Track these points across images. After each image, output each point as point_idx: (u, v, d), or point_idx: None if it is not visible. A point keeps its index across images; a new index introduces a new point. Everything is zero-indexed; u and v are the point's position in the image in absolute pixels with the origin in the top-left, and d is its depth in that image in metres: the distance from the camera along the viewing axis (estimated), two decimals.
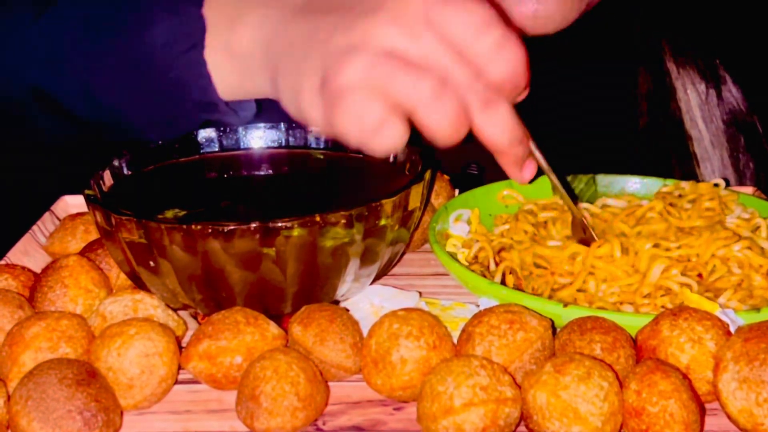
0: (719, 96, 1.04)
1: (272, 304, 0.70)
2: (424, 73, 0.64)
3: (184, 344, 0.69)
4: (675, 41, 1.04)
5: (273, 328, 0.66)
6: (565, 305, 0.68)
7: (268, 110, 0.83)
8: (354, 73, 0.65)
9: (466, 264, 0.79)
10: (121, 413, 0.62)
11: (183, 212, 0.72)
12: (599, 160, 0.84)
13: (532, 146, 0.73)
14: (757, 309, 0.67)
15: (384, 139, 0.65)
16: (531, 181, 0.75)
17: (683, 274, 0.73)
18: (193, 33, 0.80)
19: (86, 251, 0.77)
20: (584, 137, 0.83)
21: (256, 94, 0.81)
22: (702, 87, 1.04)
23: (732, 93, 1.05)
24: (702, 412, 0.60)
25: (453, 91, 0.65)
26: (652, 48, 0.98)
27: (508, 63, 0.65)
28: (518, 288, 0.76)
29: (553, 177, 0.76)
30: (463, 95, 0.65)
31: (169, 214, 0.72)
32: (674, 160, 1.06)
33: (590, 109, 0.79)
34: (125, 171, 0.79)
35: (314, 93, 0.68)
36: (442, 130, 0.65)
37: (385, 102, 0.64)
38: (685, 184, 0.87)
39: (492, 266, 0.79)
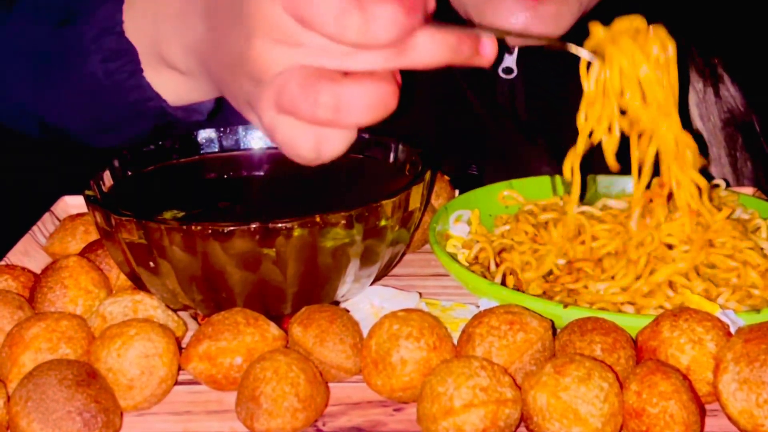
0: (717, 94, 1.04)
1: (272, 305, 0.70)
2: (326, 82, 0.61)
3: (184, 345, 0.69)
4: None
5: (273, 329, 0.66)
6: (565, 306, 0.68)
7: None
8: (267, 111, 0.63)
9: (467, 265, 0.79)
10: (121, 414, 0.62)
11: (181, 213, 0.72)
12: (597, 159, 0.84)
13: (477, 31, 0.69)
14: (757, 310, 0.67)
15: (328, 153, 0.64)
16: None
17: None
18: (127, 60, 0.82)
19: (86, 252, 0.77)
20: (595, 157, 0.84)
21: (206, 98, 0.84)
22: (700, 85, 1.04)
23: (730, 92, 1.04)
24: (702, 413, 0.59)
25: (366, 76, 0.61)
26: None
27: (385, 29, 0.60)
28: (518, 289, 0.76)
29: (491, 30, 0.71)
30: (375, 63, 0.62)
31: (168, 215, 0.72)
32: None
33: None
34: (125, 171, 0.79)
35: (246, 101, 0.67)
36: (369, 119, 0.62)
37: (312, 123, 0.62)
38: None
39: (492, 267, 0.79)
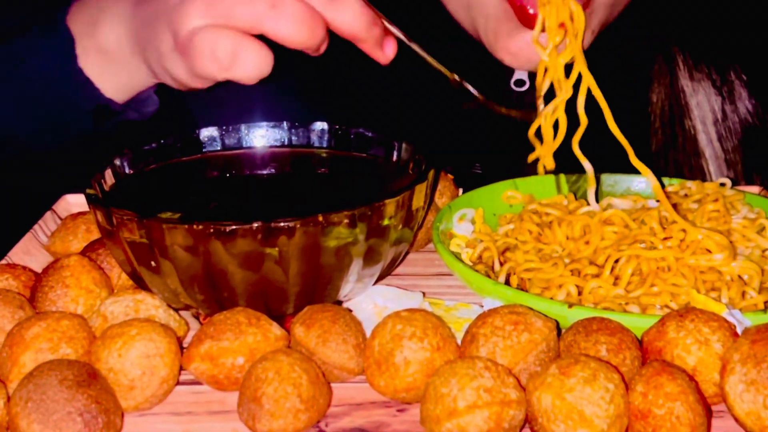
0: (735, 114, 1.04)
1: (274, 305, 0.70)
2: None
3: (185, 345, 0.69)
4: (689, 58, 1.04)
5: (275, 329, 0.65)
6: (570, 306, 0.68)
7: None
8: (194, 18, 0.71)
9: (470, 264, 0.79)
10: (122, 415, 0.62)
11: (177, 214, 0.72)
12: (602, 159, 0.84)
13: (387, 24, 0.77)
14: (764, 310, 0.67)
15: (245, 64, 0.71)
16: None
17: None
18: (62, 46, 0.85)
19: (87, 251, 0.77)
20: (597, 157, 0.84)
21: (147, 85, 0.87)
22: (717, 105, 1.04)
23: (749, 110, 1.04)
24: (709, 414, 0.59)
25: None
26: (666, 66, 0.99)
27: None
28: (522, 288, 0.76)
29: (414, 45, 0.80)
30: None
31: (164, 216, 0.72)
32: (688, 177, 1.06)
33: (602, 129, 0.80)
34: (126, 170, 0.79)
35: (171, 52, 0.74)
36: (296, 33, 0.71)
37: (232, 32, 0.70)
38: (691, 184, 0.86)
39: (496, 266, 0.79)
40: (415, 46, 0.80)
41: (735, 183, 0.87)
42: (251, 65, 0.71)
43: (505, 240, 0.81)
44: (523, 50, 0.91)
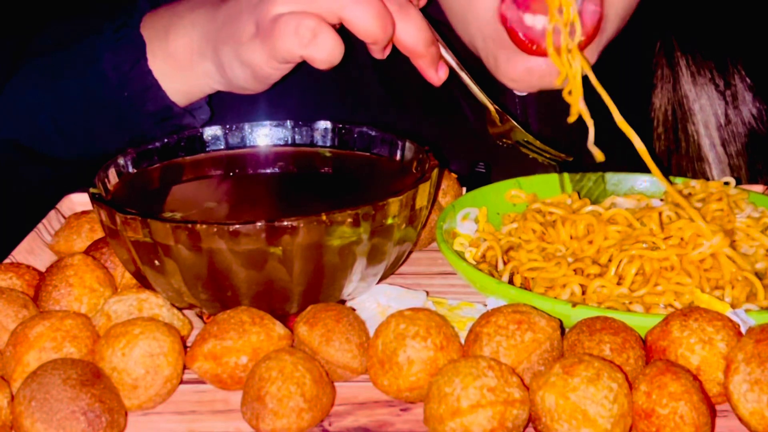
0: (739, 118, 1.04)
1: (278, 304, 0.70)
2: None
3: (189, 344, 0.69)
4: (692, 63, 1.03)
5: (279, 328, 0.65)
6: (574, 305, 0.68)
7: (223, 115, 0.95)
8: (279, 6, 0.78)
9: (474, 263, 0.79)
10: (126, 414, 0.62)
11: (181, 214, 0.72)
12: (606, 158, 0.84)
13: (442, 49, 0.84)
14: None
15: (322, 45, 0.77)
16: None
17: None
18: (135, 49, 0.90)
19: (91, 250, 0.77)
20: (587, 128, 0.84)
21: (206, 92, 0.92)
22: (721, 110, 1.03)
23: (753, 114, 1.04)
24: (713, 414, 0.59)
25: None
26: (669, 70, 0.99)
27: None
28: (526, 288, 0.76)
29: (464, 73, 0.86)
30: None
31: (167, 215, 0.72)
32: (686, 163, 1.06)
33: (606, 129, 0.80)
34: (130, 169, 0.79)
35: (251, 40, 0.81)
36: (371, 25, 0.77)
37: (314, 16, 0.77)
38: (695, 183, 0.86)
39: (500, 266, 0.79)
40: (464, 75, 0.86)
41: (738, 184, 0.87)
42: (328, 48, 0.77)
43: (509, 239, 0.81)
44: (522, 77, 0.91)
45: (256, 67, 0.82)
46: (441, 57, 0.84)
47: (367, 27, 0.78)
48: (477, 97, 0.87)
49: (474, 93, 0.87)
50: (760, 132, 1.03)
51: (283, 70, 0.83)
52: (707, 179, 1.03)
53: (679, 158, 1.05)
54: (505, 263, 0.79)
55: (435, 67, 0.84)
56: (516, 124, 0.87)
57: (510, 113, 0.88)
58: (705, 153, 1.03)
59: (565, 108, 0.84)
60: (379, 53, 0.82)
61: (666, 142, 1.05)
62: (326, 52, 0.78)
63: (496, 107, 0.87)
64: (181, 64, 0.89)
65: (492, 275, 0.75)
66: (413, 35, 0.80)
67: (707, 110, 1.02)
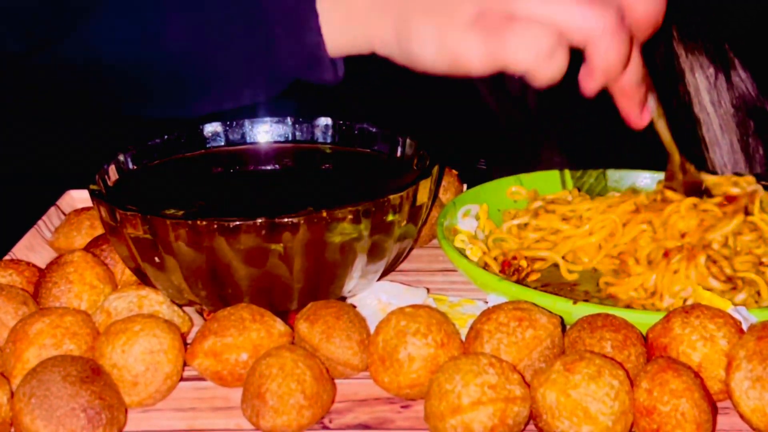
0: (728, 80, 1.03)
1: (278, 301, 0.69)
2: (605, 8, 0.69)
3: (189, 341, 0.68)
4: (683, 25, 1.03)
5: (279, 325, 0.65)
6: (575, 302, 0.67)
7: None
8: (528, 5, 0.69)
9: (475, 260, 0.79)
10: (126, 411, 0.62)
11: (181, 210, 0.72)
12: (607, 150, 0.84)
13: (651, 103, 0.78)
14: None
15: (552, 66, 0.70)
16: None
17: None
18: None
19: (91, 247, 0.77)
20: (590, 125, 0.83)
21: (361, 53, 0.79)
22: (711, 71, 1.03)
23: (741, 77, 1.03)
24: (714, 411, 0.59)
25: (627, 27, 0.70)
26: (660, 31, 0.98)
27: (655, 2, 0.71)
28: (522, 283, 0.76)
29: (662, 121, 0.79)
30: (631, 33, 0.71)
31: (168, 211, 0.71)
32: (683, 144, 1.05)
33: (609, 125, 0.79)
34: (130, 165, 0.79)
35: (467, 28, 0.71)
36: (617, 64, 0.70)
37: (555, 31, 0.69)
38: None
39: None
40: (661, 123, 0.80)
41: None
42: (558, 70, 0.70)
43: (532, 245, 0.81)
44: None
45: (464, 59, 0.72)
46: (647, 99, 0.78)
47: (614, 66, 0.71)
48: (666, 146, 0.81)
49: (664, 139, 0.81)
50: (748, 95, 1.03)
51: (489, 72, 0.73)
52: (699, 139, 1.03)
53: (669, 120, 1.04)
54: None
55: (641, 109, 0.77)
56: (695, 171, 0.82)
57: (509, 93, 0.85)
58: (696, 114, 1.03)
59: (565, 88, 0.83)
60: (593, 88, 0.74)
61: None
62: (554, 74, 0.70)
63: (681, 157, 0.82)
64: (352, 14, 0.77)
65: (486, 269, 0.75)
66: (632, 74, 0.74)
67: (697, 71, 1.02)
